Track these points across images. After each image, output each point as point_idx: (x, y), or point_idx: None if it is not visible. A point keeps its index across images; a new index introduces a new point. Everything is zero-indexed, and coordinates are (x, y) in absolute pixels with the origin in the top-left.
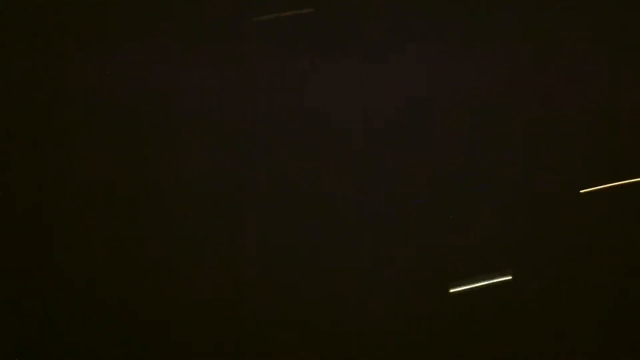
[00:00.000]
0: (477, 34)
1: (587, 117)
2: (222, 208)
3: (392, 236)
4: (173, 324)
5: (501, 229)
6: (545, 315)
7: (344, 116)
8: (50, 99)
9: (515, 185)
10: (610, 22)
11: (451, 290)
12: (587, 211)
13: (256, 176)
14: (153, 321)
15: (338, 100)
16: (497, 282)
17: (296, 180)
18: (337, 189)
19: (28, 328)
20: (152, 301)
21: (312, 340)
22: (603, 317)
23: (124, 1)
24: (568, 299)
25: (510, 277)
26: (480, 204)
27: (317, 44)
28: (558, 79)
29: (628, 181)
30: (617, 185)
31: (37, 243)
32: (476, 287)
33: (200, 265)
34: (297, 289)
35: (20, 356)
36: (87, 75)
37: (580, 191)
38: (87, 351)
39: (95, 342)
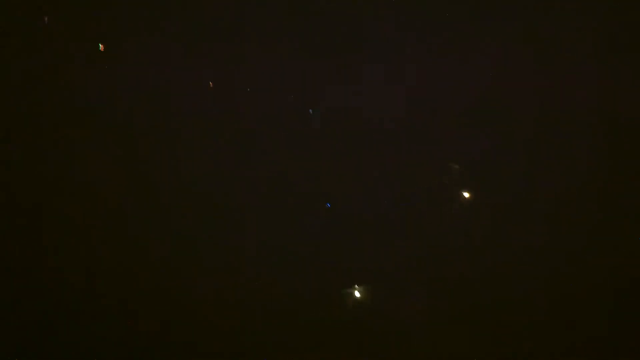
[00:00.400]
0: (478, 34)
1: (587, 117)
2: (222, 208)
3: (392, 236)
4: (173, 323)
5: (501, 228)
6: (545, 314)
7: (344, 116)
8: (50, 99)
9: (515, 185)
10: (610, 22)
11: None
12: (587, 211)
13: (256, 176)
14: (153, 321)
15: (338, 99)
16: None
17: (296, 180)
18: (337, 189)
19: (28, 328)
20: (152, 301)
21: (312, 340)
22: (603, 317)
23: (124, 1)
24: (568, 298)
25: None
26: (480, 204)
27: (318, 44)
28: (558, 79)
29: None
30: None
31: (37, 243)
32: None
33: (200, 265)
34: (297, 289)
35: (20, 356)
36: (87, 76)
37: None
38: (87, 351)
39: (95, 342)
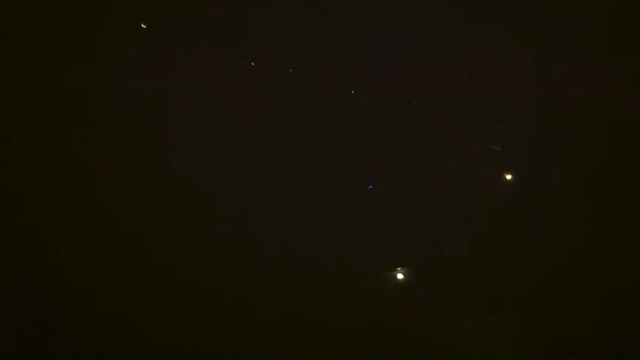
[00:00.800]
0: (478, 34)
1: (587, 117)
2: (222, 208)
3: (392, 236)
4: (173, 323)
5: (501, 228)
6: (545, 314)
7: (344, 116)
8: (50, 99)
9: (515, 185)
10: (610, 22)
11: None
12: (587, 211)
13: (256, 176)
14: (153, 321)
15: (338, 99)
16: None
17: (296, 180)
18: (337, 189)
19: (28, 328)
20: (152, 301)
21: (312, 340)
22: (603, 317)
23: (124, 1)
24: (568, 298)
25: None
26: (480, 204)
27: (318, 44)
28: (558, 79)
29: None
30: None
31: (37, 243)
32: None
33: (200, 265)
34: (297, 289)
35: (20, 356)
36: (87, 76)
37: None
38: (87, 351)
39: (95, 342)
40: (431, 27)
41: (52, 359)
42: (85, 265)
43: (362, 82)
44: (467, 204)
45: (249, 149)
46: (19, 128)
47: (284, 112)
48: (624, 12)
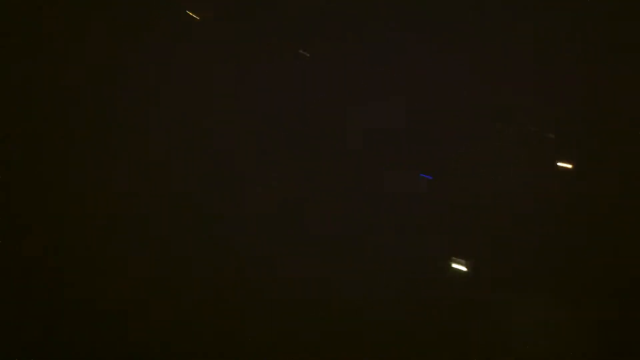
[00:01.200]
0: (478, 34)
1: (587, 117)
2: (222, 208)
3: (393, 236)
4: (173, 324)
5: (501, 228)
6: (545, 314)
7: (344, 116)
8: (50, 99)
9: (515, 185)
10: (610, 22)
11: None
12: (587, 211)
13: (256, 176)
14: (153, 321)
15: (339, 100)
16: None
17: (296, 180)
18: (337, 189)
19: (28, 328)
20: (152, 301)
21: (312, 340)
22: (603, 318)
23: (124, 1)
24: (568, 298)
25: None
26: (480, 204)
27: (318, 44)
28: (558, 79)
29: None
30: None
31: (37, 243)
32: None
33: (200, 265)
34: (298, 289)
35: (20, 356)
36: (87, 76)
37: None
38: (87, 351)
39: (95, 343)
40: (431, 27)
41: (52, 359)
42: (85, 265)
43: (362, 82)
44: (467, 204)
45: (248, 149)
46: (19, 128)
47: (284, 112)
48: (624, 12)
